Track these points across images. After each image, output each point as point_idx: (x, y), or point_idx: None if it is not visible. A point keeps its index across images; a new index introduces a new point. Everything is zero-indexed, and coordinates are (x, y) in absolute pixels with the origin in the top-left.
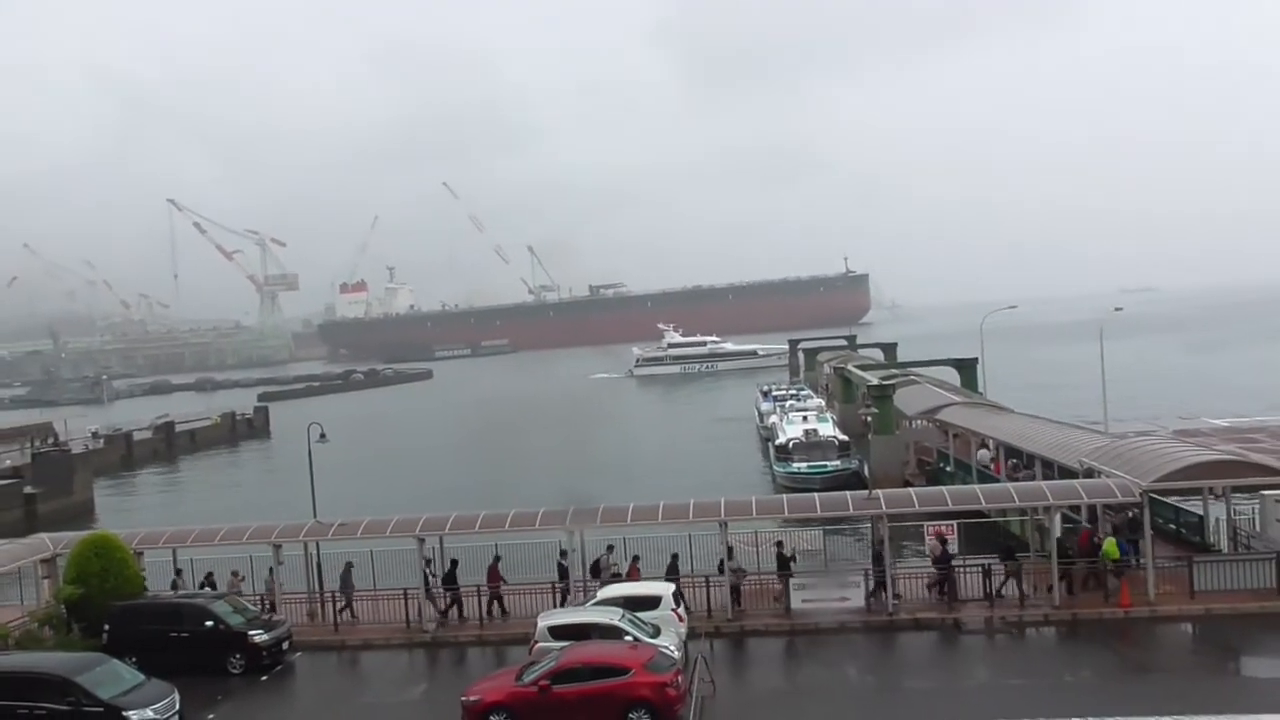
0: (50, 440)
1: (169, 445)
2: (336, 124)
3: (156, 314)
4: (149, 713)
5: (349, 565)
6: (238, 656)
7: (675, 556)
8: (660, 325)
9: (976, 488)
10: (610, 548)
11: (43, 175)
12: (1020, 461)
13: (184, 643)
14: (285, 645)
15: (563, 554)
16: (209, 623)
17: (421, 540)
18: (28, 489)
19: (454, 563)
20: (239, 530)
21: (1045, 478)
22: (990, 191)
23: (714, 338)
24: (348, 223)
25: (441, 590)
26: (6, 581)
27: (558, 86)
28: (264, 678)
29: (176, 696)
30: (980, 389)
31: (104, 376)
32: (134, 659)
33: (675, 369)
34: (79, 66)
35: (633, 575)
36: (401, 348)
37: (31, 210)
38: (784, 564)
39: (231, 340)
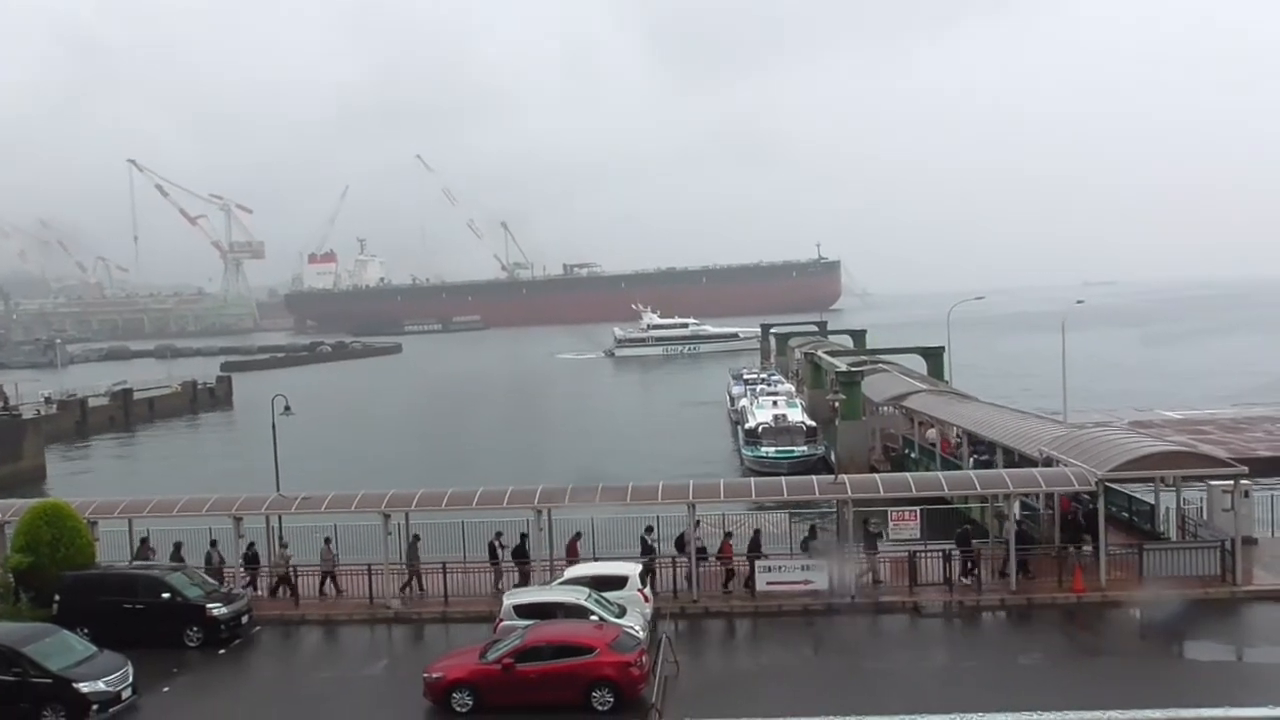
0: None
1: (126, 413)
2: (307, 92)
3: (115, 278)
4: (101, 685)
5: (416, 537)
6: (194, 629)
7: (757, 532)
8: (636, 306)
9: (939, 474)
10: (698, 522)
11: None
12: (971, 446)
13: (139, 615)
14: (245, 619)
15: (648, 530)
16: (165, 595)
17: (387, 516)
18: None
19: (524, 536)
20: (199, 501)
21: (1006, 465)
22: (963, 182)
23: (693, 320)
24: (317, 192)
25: (513, 564)
26: None
27: (530, 60)
28: (222, 651)
29: (130, 669)
30: (946, 377)
31: (58, 340)
32: (86, 630)
33: (658, 350)
34: (37, 13)
35: (725, 552)
36: (370, 321)
37: None
38: (871, 542)
39: (194, 307)
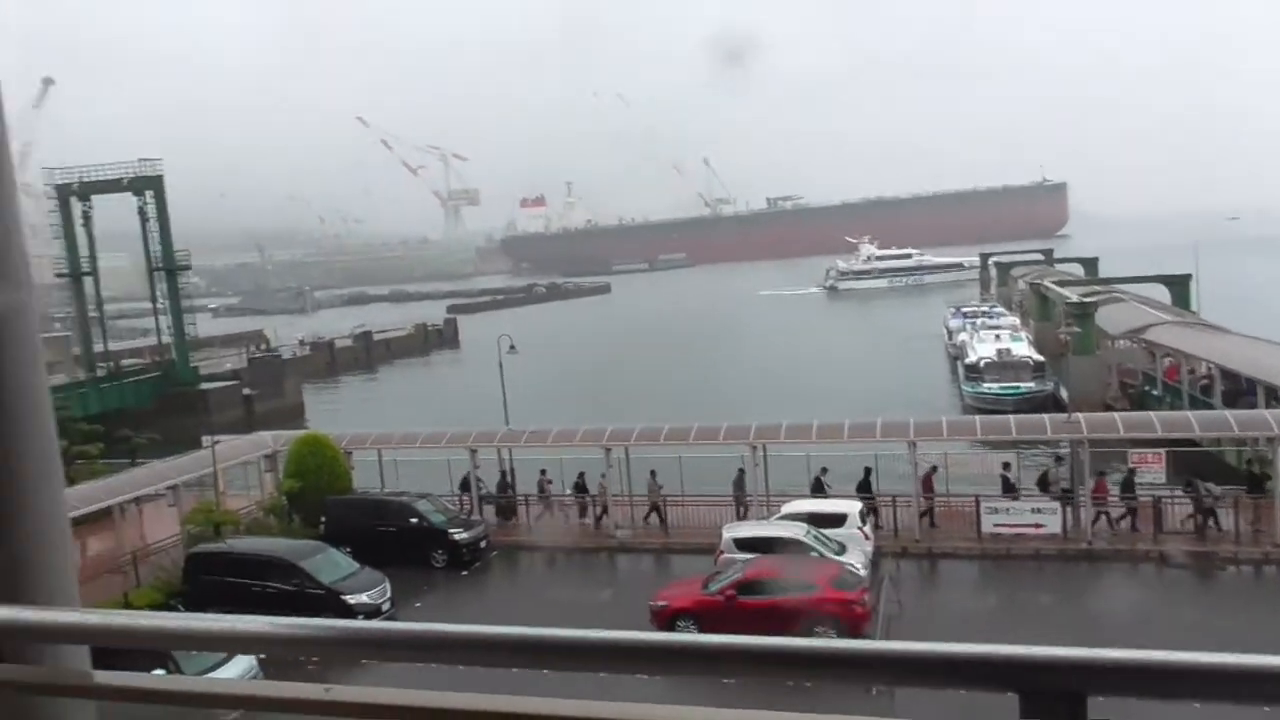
0: (263, 346)
1: (368, 353)
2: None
3: (351, 229)
4: (365, 598)
5: (653, 472)
6: (440, 552)
7: (1006, 465)
8: (850, 238)
9: (1190, 414)
10: (1059, 459)
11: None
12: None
13: (392, 537)
14: (483, 544)
15: (823, 470)
16: (413, 519)
17: (608, 450)
18: (246, 390)
19: (868, 470)
20: (438, 435)
21: (1268, 406)
22: (1208, 91)
23: (914, 250)
24: (520, 135)
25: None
26: (237, 473)
27: None
28: (464, 573)
29: (388, 585)
30: (1194, 308)
31: (307, 287)
32: (348, 549)
33: (881, 283)
34: None
35: (1099, 490)
36: (580, 261)
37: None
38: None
39: (420, 254)
